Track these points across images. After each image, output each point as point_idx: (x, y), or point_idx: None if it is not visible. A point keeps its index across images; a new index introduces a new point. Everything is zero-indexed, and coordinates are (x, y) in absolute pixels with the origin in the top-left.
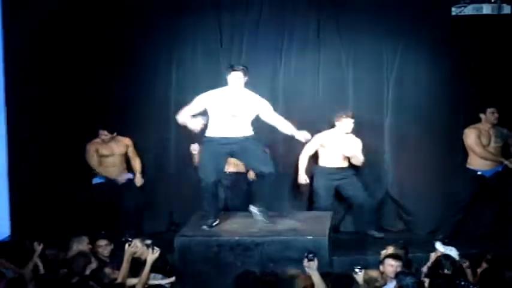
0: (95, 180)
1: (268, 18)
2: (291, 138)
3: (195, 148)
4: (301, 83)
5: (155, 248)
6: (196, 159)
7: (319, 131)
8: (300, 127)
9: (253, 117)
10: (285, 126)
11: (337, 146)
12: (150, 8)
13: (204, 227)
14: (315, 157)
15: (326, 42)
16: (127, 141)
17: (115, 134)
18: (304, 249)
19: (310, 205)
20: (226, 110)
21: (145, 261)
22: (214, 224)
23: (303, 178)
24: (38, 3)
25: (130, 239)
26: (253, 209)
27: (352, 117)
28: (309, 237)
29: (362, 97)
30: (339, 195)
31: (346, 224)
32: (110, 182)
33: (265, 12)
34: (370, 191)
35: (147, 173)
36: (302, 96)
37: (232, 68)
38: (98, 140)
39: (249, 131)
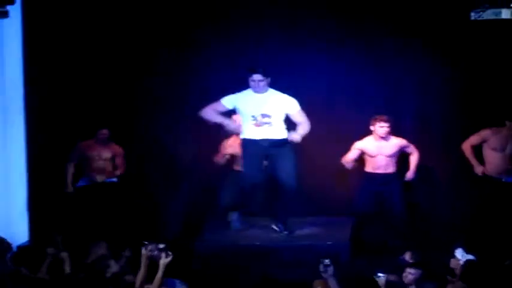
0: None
1: (291, 21)
2: (323, 141)
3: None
4: (323, 86)
5: (168, 252)
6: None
7: (340, 135)
8: (322, 132)
9: (283, 117)
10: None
11: (376, 151)
12: (171, 13)
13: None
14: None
15: (346, 46)
16: (118, 149)
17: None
18: (324, 254)
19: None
20: (255, 111)
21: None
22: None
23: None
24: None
25: (146, 243)
26: (274, 227)
27: (386, 121)
28: (329, 242)
29: (379, 104)
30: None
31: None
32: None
33: (286, 17)
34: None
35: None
36: (317, 100)
37: (252, 70)
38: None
39: (281, 133)
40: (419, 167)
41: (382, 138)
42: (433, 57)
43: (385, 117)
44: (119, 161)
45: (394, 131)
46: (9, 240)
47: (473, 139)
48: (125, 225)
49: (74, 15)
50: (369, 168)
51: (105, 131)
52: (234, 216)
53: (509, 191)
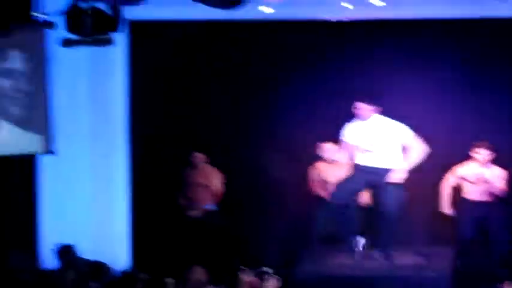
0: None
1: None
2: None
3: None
4: (429, 117)
5: (275, 276)
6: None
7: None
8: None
9: (395, 145)
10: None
11: (477, 177)
12: (267, 44)
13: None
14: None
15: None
16: (216, 173)
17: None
18: (427, 285)
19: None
20: (365, 141)
21: None
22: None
23: (446, 207)
24: (163, 32)
25: (244, 268)
26: (375, 255)
27: (486, 148)
28: (431, 273)
29: (500, 133)
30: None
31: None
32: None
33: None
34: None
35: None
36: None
37: (359, 101)
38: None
39: (392, 163)
40: None
41: (483, 164)
42: None
43: (486, 144)
44: (217, 185)
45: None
46: (111, 265)
47: None
48: (223, 251)
49: (179, 42)
50: (469, 195)
51: (200, 156)
52: (358, 243)
53: None
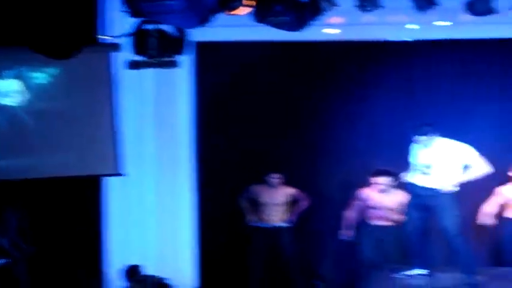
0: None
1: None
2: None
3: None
4: (486, 136)
5: None
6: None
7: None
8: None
9: (455, 167)
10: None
11: None
12: (336, 64)
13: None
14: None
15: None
16: (290, 190)
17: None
18: None
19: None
20: (423, 161)
21: None
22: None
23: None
24: (228, 54)
25: (319, 284)
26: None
27: None
28: None
29: None
30: None
31: None
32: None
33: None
34: None
35: None
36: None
37: (416, 133)
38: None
39: (449, 185)
40: None
41: None
42: None
43: None
44: (295, 203)
45: None
46: (178, 285)
47: None
48: (288, 271)
49: (245, 63)
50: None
51: (276, 175)
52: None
53: None
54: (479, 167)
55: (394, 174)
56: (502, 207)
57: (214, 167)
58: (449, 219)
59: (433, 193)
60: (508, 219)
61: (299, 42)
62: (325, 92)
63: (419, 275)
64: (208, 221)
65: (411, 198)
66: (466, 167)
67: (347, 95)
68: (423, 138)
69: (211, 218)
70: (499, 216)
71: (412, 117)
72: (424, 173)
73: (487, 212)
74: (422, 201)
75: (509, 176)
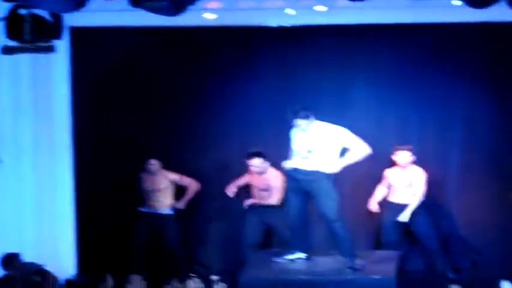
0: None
1: (332, 58)
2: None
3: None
4: (364, 123)
5: (222, 284)
6: None
7: (380, 167)
8: (361, 164)
9: (333, 151)
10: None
11: (398, 180)
12: (213, 50)
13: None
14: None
15: (391, 80)
16: (172, 176)
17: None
18: None
19: (378, 241)
20: (302, 145)
21: None
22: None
23: (373, 206)
24: (104, 39)
25: (193, 275)
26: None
27: (407, 150)
28: (375, 276)
29: (427, 135)
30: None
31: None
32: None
33: (329, 53)
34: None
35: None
36: (364, 135)
37: (294, 115)
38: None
39: (328, 169)
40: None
41: (404, 167)
42: (482, 89)
43: (405, 147)
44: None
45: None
46: (57, 273)
47: None
48: (170, 258)
49: (122, 48)
50: (392, 198)
51: (154, 161)
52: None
53: None
54: (358, 149)
55: (265, 155)
56: (387, 191)
57: (93, 152)
58: (328, 204)
59: (312, 177)
60: (390, 203)
61: (177, 28)
62: (203, 77)
63: (299, 258)
64: (88, 207)
65: (291, 183)
66: (345, 151)
67: (226, 80)
68: (302, 122)
69: (91, 204)
70: (384, 200)
71: (291, 101)
72: (303, 158)
73: (376, 196)
74: (302, 185)
75: (393, 160)
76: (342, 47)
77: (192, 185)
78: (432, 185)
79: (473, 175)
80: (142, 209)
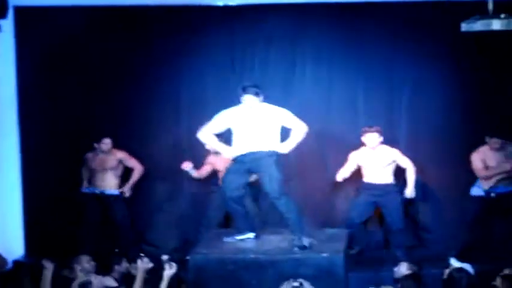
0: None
1: (280, 36)
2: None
3: (187, 166)
4: (313, 100)
5: (171, 263)
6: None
7: (331, 147)
8: (311, 143)
9: (276, 130)
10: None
11: (369, 161)
12: (160, 29)
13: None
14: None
15: (337, 59)
16: (120, 154)
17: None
18: (319, 266)
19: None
20: (247, 126)
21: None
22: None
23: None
24: (49, 18)
25: (142, 255)
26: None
27: (376, 131)
28: (324, 254)
29: (374, 114)
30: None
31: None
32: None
33: (277, 32)
34: None
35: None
36: (314, 113)
37: (244, 91)
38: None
39: (272, 146)
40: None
41: (373, 148)
42: (426, 69)
43: (374, 128)
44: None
45: (391, 143)
46: (5, 254)
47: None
48: (119, 238)
49: (67, 27)
50: (364, 178)
51: (106, 141)
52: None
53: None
54: (298, 128)
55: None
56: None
57: (41, 133)
58: (272, 182)
59: (255, 157)
60: (366, 184)
61: (122, 7)
62: (148, 57)
63: (248, 238)
64: (37, 188)
65: (234, 163)
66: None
67: (174, 59)
68: (250, 98)
69: (40, 185)
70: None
71: (240, 80)
72: (246, 137)
73: (342, 176)
74: (245, 165)
75: (361, 142)
76: (289, 25)
77: (137, 167)
78: None
79: (419, 152)
80: (90, 189)
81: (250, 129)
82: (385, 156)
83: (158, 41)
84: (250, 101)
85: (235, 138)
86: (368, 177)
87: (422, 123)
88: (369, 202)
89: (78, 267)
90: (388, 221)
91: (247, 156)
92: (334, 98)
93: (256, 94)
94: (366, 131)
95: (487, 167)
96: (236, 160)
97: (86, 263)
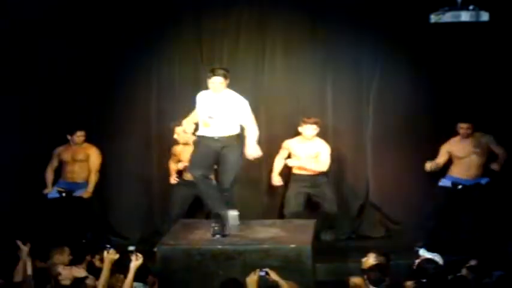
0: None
1: (250, 24)
2: (270, 143)
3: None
4: (282, 89)
5: (138, 254)
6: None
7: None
8: (279, 133)
9: (232, 118)
10: (248, 134)
11: (303, 151)
12: (130, 18)
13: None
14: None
15: (306, 50)
16: (93, 150)
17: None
18: (286, 257)
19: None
20: (206, 111)
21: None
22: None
23: (276, 180)
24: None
25: (109, 246)
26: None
27: (314, 123)
28: (291, 245)
29: (342, 105)
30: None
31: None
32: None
33: (246, 19)
34: (349, 197)
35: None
36: (282, 103)
37: (212, 73)
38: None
39: (229, 131)
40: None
41: (307, 139)
42: (394, 60)
43: (312, 120)
44: (94, 162)
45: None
46: None
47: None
48: (88, 229)
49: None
50: (298, 169)
51: (80, 133)
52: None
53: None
54: (249, 128)
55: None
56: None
57: (12, 125)
58: (227, 173)
59: (218, 143)
60: (296, 175)
61: None
62: (116, 45)
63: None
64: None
65: (198, 149)
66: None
67: (141, 45)
68: (218, 80)
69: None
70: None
71: (205, 70)
72: (208, 123)
73: (276, 170)
74: (211, 148)
75: (298, 131)
76: (259, 13)
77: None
78: (348, 152)
79: (387, 143)
80: (53, 194)
81: (214, 112)
82: (315, 146)
83: (125, 28)
84: (217, 83)
85: (200, 120)
86: (299, 168)
87: (390, 114)
88: (300, 193)
89: (55, 258)
90: (323, 208)
91: (212, 139)
92: (303, 89)
93: (225, 76)
94: (305, 122)
95: (454, 158)
96: (203, 140)
97: (59, 254)
